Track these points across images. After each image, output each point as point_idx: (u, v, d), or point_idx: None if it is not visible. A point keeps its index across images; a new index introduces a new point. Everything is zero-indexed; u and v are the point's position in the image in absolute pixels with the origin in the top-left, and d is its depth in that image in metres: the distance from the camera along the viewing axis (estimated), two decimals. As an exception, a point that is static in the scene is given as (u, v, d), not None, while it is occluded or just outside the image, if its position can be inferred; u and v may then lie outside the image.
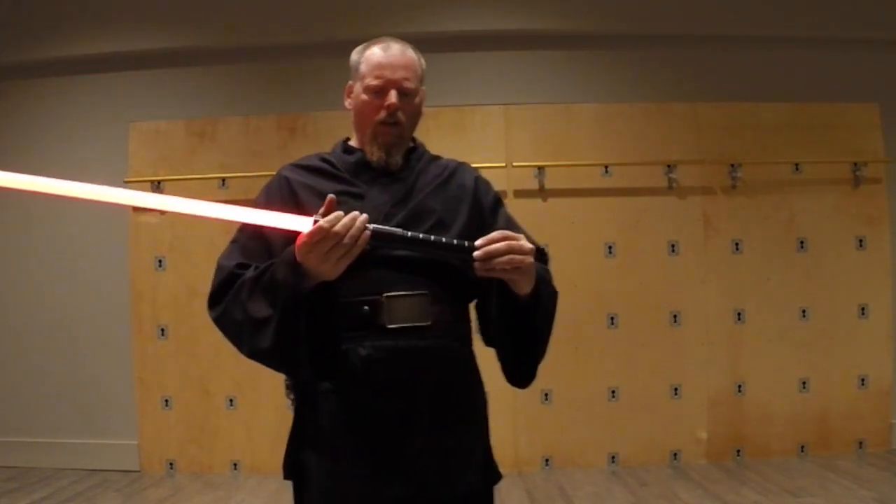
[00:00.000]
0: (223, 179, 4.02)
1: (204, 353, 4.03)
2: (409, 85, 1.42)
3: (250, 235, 1.39)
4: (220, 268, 1.39)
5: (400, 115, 1.41)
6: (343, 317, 1.33)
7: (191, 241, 4.02)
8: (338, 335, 1.33)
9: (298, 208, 1.36)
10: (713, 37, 4.12)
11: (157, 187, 4.05)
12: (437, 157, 1.55)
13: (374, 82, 1.41)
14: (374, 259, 1.28)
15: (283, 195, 1.42)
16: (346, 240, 1.19)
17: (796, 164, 4.09)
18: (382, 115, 1.40)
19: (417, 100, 1.45)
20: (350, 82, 1.49)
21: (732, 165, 4.02)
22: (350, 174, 1.45)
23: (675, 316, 4.05)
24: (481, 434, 1.45)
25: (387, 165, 1.44)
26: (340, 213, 1.19)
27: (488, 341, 1.47)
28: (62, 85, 4.22)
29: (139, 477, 4.01)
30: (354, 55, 1.48)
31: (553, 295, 1.43)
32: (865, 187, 4.09)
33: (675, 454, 4.02)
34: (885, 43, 4.16)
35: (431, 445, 1.34)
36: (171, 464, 4.08)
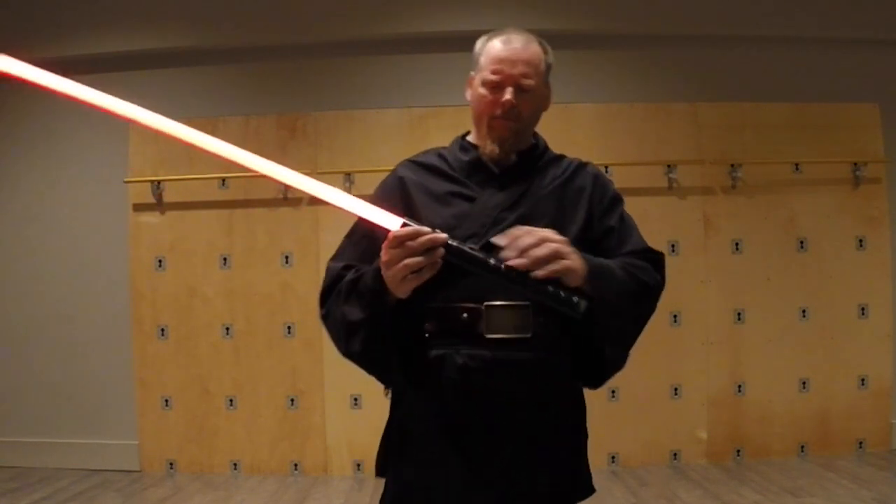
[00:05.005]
0: (223, 179, 4.01)
1: (204, 353, 4.03)
2: (529, 82, 1.35)
3: (362, 235, 1.36)
4: (328, 269, 1.37)
5: (516, 112, 1.35)
6: (441, 321, 1.29)
7: (191, 241, 4.01)
8: (432, 340, 1.29)
9: (410, 209, 1.32)
10: (713, 37, 4.12)
11: (157, 187, 4.05)
12: (559, 157, 1.47)
13: (492, 77, 1.35)
14: None
15: (397, 195, 1.38)
16: (417, 254, 1.14)
17: (796, 164, 4.09)
18: (498, 111, 1.35)
19: (538, 96, 1.39)
20: (472, 73, 1.42)
21: (732, 165, 4.02)
22: (464, 174, 1.40)
23: (675, 316, 4.05)
24: (576, 449, 1.38)
25: (499, 160, 1.38)
26: (424, 227, 1.15)
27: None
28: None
29: (139, 477, 4.01)
30: (477, 45, 1.41)
31: (629, 294, 1.30)
32: (865, 187, 4.09)
33: (675, 454, 4.02)
34: (885, 43, 4.16)
35: (521, 458, 1.29)
36: (171, 464, 4.08)
